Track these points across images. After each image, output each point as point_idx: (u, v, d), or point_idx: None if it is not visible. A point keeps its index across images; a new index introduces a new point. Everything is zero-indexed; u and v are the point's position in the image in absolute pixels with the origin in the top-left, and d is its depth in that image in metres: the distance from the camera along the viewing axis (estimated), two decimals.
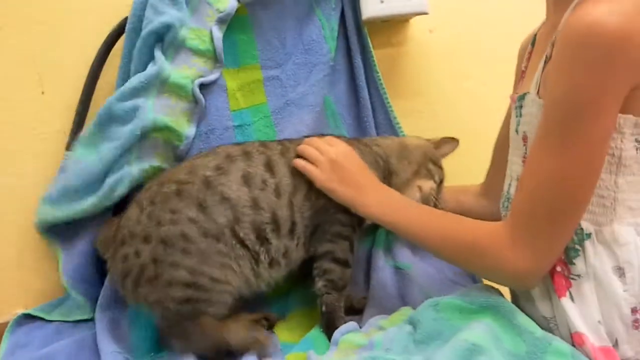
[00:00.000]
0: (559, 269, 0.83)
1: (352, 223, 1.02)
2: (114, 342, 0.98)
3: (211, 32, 1.09)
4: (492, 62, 1.38)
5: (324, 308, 0.98)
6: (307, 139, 1.04)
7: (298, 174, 1.00)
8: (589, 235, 0.81)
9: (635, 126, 0.78)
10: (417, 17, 1.29)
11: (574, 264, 0.81)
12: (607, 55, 0.71)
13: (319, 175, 0.98)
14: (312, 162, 0.99)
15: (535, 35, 1.02)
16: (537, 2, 1.41)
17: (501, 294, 0.89)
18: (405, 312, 0.95)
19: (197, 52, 1.08)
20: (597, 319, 0.79)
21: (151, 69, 1.04)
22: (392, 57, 1.33)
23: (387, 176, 1.09)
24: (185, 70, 1.07)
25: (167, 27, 1.06)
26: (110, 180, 1.03)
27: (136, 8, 1.09)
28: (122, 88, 1.04)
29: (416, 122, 1.32)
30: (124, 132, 1.02)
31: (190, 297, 0.91)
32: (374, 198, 0.96)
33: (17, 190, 1.13)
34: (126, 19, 1.11)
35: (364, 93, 1.21)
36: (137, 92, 1.03)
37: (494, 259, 0.82)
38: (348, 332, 0.92)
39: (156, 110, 1.03)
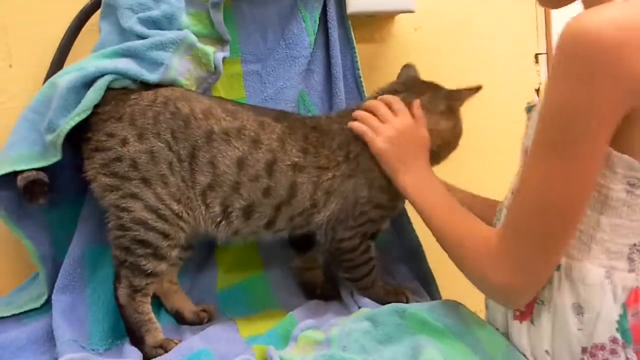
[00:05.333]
0: None
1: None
2: (70, 329, 0.96)
3: (209, 14, 1.08)
4: (476, 64, 1.37)
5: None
6: (371, 104, 1.04)
7: (296, 191, 0.99)
8: (558, 267, 0.79)
9: (630, 168, 0.73)
10: (403, 14, 1.28)
11: (543, 289, 0.80)
12: (592, 65, 0.68)
13: (376, 141, 1.00)
14: (373, 128, 1.01)
15: None
16: (523, 5, 1.42)
17: (470, 316, 0.88)
18: (363, 311, 0.94)
19: (202, 37, 1.07)
20: (545, 348, 0.79)
21: (178, 33, 1.03)
22: (375, 52, 1.32)
23: None
24: (206, 45, 1.07)
25: (169, 20, 1.04)
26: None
27: None
28: (151, 39, 1.01)
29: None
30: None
31: (147, 222, 0.93)
32: (413, 178, 0.98)
33: None
34: None
35: (340, 85, 1.20)
36: (165, 46, 1.01)
37: (478, 265, 0.81)
38: (308, 329, 0.92)
39: (179, 71, 1.02)
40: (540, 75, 1.45)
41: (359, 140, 1.01)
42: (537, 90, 1.45)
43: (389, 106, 1.03)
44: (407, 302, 1.00)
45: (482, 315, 1.02)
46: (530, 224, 0.76)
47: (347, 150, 1.02)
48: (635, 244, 0.76)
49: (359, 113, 1.04)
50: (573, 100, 0.70)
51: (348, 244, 1.02)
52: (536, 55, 1.44)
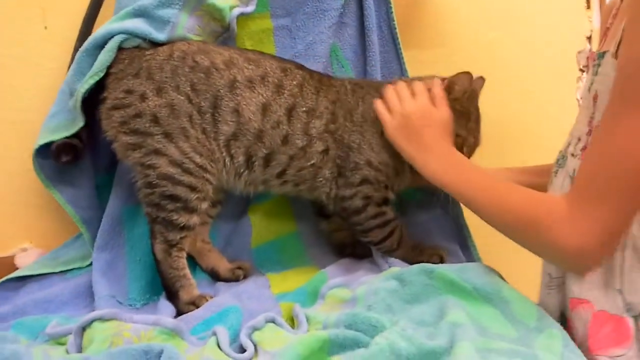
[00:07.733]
0: None
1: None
2: (109, 285, 1.01)
3: None
4: (521, 13, 1.30)
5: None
6: (396, 85, 1.02)
7: (315, 139, 1.00)
8: None
9: None
10: None
11: None
12: None
13: (389, 124, 0.99)
14: (389, 108, 1.00)
15: None
16: None
17: (500, 280, 0.86)
18: (392, 270, 0.93)
19: None
20: (617, 287, 0.77)
21: None
22: (411, 2, 1.25)
23: None
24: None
25: None
26: None
27: None
28: None
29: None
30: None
31: (173, 176, 0.94)
32: (436, 158, 0.93)
33: (20, 125, 1.13)
34: None
35: (374, 37, 1.16)
36: (171, 3, 1.01)
37: (548, 233, 0.76)
38: (335, 287, 0.93)
39: (187, 27, 1.02)
40: (591, 21, 1.35)
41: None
42: (589, 38, 1.35)
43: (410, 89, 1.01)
44: (441, 263, 0.99)
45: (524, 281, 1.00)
46: (609, 183, 0.72)
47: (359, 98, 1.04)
48: None
49: (385, 89, 1.02)
50: None
51: (350, 204, 1.02)
52: (587, 0, 1.34)
